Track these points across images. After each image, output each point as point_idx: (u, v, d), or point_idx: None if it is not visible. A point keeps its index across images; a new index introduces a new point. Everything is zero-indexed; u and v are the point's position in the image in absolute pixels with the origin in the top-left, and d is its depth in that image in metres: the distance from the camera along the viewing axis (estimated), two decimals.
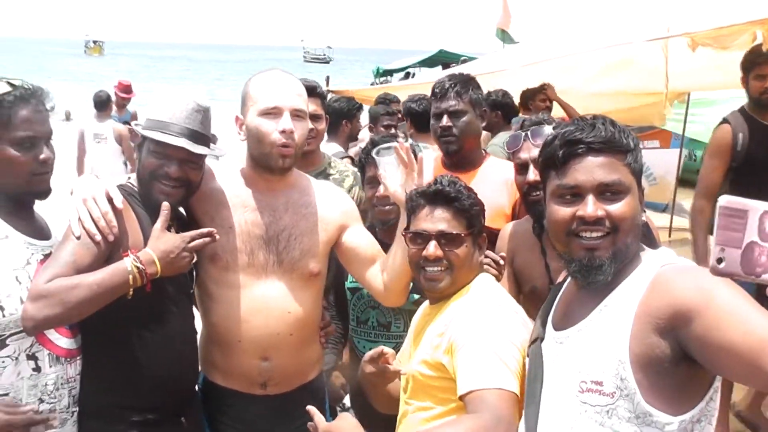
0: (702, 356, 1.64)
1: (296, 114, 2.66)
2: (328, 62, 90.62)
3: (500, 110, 6.48)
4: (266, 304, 2.75)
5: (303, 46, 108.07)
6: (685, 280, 1.73)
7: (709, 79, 7.64)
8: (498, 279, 2.71)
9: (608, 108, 7.90)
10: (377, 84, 20.60)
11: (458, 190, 2.46)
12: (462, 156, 3.51)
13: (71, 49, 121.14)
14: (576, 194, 1.85)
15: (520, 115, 6.52)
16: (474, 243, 2.49)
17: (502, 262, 2.78)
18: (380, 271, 2.88)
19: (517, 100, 6.97)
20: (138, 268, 2.37)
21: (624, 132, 1.87)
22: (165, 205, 2.50)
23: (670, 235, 9.77)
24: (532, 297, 2.85)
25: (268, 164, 2.69)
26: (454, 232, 2.42)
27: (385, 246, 2.99)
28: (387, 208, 3.16)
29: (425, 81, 7.97)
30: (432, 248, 2.41)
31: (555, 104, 7.20)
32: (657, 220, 9.91)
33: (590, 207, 1.81)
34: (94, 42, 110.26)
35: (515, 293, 2.90)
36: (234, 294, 2.74)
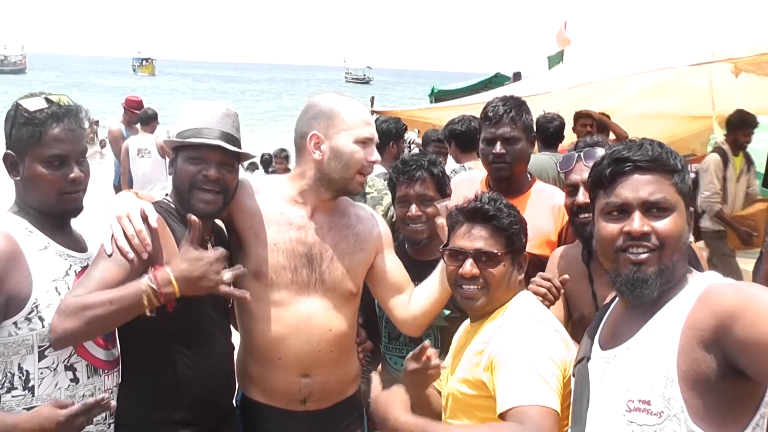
0: (745, 359, 1.65)
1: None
2: (368, 83, 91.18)
3: (537, 132, 6.59)
4: (308, 322, 2.77)
5: (345, 67, 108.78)
6: (727, 291, 1.76)
7: (754, 103, 7.61)
8: (551, 304, 2.70)
9: (652, 131, 8.02)
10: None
11: (498, 208, 2.45)
12: (511, 182, 3.45)
13: (120, 67, 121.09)
14: (623, 211, 1.89)
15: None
16: (513, 262, 2.46)
17: (559, 286, 2.74)
18: (406, 300, 2.92)
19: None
20: (152, 287, 2.34)
21: (671, 153, 1.91)
22: (193, 219, 2.45)
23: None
24: (581, 324, 2.76)
25: (346, 188, 2.77)
26: (492, 251, 2.40)
27: (415, 264, 3.05)
28: (418, 227, 3.19)
29: (476, 102, 8.07)
30: (468, 266, 2.40)
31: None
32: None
33: (636, 222, 1.86)
34: (146, 60, 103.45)
35: (565, 319, 2.88)
36: (276, 311, 2.76)
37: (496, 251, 2.40)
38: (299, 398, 2.81)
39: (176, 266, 2.38)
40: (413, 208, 3.19)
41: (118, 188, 9.48)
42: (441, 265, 2.77)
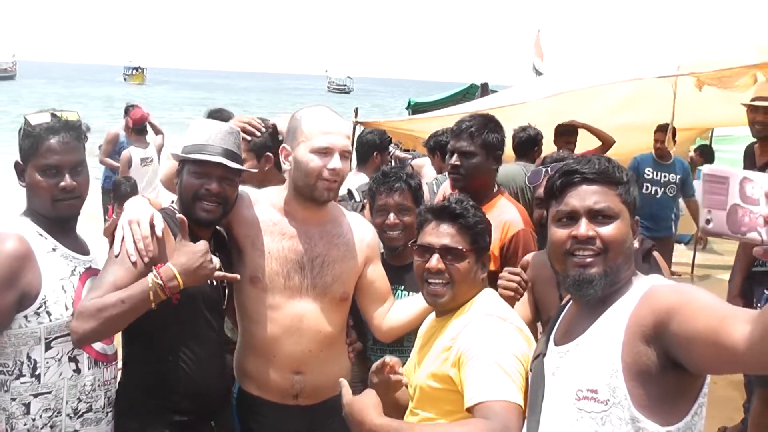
0: (680, 352, 1.79)
1: (343, 154, 2.87)
2: (348, 92, 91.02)
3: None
4: (300, 324, 2.95)
5: (327, 76, 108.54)
6: (667, 291, 1.93)
7: (716, 115, 7.93)
8: (515, 299, 2.83)
9: (630, 143, 8.16)
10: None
11: (464, 208, 2.57)
12: (469, 193, 3.50)
13: (110, 75, 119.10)
14: (571, 218, 2.06)
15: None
16: (477, 259, 2.57)
17: (527, 278, 2.88)
18: (385, 310, 3.12)
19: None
20: (158, 283, 2.53)
21: (618, 167, 2.10)
22: (182, 218, 2.69)
23: (692, 271, 9.82)
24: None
25: (313, 196, 2.89)
26: (457, 247, 2.51)
27: (391, 268, 3.25)
28: (395, 234, 3.40)
29: (454, 113, 8.18)
30: (434, 261, 2.51)
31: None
32: (681, 256, 9.89)
33: (583, 228, 2.02)
34: (136, 69, 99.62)
35: (530, 319, 3.01)
36: (271, 313, 2.94)
37: (461, 248, 2.52)
38: (292, 393, 2.99)
39: (176, 261, 2.59)
40: (391, 217, 3.39)
41: (107, 191, 9.43)
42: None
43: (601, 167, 2.08)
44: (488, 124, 3.68)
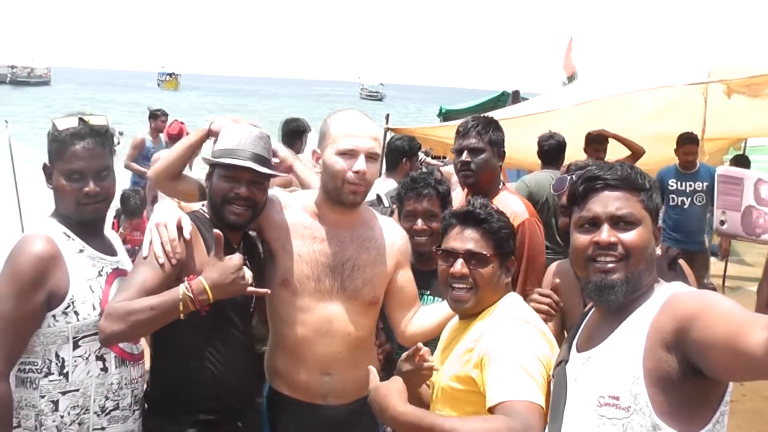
0: (701, 358, 1.79)
1: (370, 156, 2.87)
2: (381, 99, 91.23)
3: (538, 150, 6.74)
4: (330, 326, 2.97)
5: (360, 83, 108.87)
6: (688, 297, 1.93)
7: (745, 124, 7.77)
8: (552, 318, 2.82)
9: (652, 152, 7.94)
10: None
11: (489, 213, 2.59)
12: (478, 188, 3.75)
13: (143, 81, 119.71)
14: (594, 224, 2.06)
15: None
16: (501, 264, 2.59)
17: (558, 300, 2.86)
18: (410, 316, 3.14)
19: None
20: (189, 296, 2.56)
21: (641, 174, 2.10)
22: (218, 234, 2.66)
23: (724, 283, 9.72)
24: None
25: (340, 198, 2.91)
26: (481, 252, 2.53)
27: (418, 273, 3.26)
28: (423, 239, 3.45)
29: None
30: (458, 266, 2.53)
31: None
32: (712, 268, 9.71)
33: (605, 233, 2.03)
34: (170, 75, 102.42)
35: (558, 330, 2.99)
36: (301, 315, 2.97)
37: (485, 252, 2.53)
38: (321, 394, 3.02)
39: (208, 275, 2.61)
40: (419, 222, 3.44)
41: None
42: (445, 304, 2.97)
43: (624, 173, 2.09)
44: (492, 123, 3.88)
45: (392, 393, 2.29)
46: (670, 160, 8.00)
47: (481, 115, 4.10)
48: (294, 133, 7.18)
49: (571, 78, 15.50)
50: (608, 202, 2.06)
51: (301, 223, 3.00)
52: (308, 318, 2.97)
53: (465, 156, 3.76)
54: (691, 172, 7.79)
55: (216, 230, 2.68)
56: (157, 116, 10.59)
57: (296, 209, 3.03)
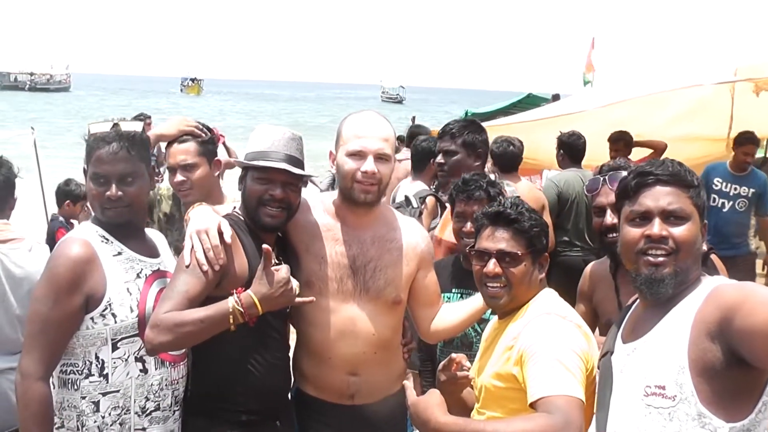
0: (744, 346, 1.84)
1: (379, 157, 2.89)
2: (401, 102, 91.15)
3: (563, 149, 6.80)
4: (354, 326, 2.99)
5: (381, 86, 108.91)
6: (731, 288, 1.99)
7: None
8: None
9: (675, 152, 7.98)
10: None
11: (519, 212, 2.61)
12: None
13: (166, 86, 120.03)
14: (645, 218, 2.12)
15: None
16: (534, 262, 2.62)
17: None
18: (433, 315, 3.17)
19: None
20: (239, 310, 2.58)
21: (689, 171, 2.15)
22: (266, 248, 2.64)
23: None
24: (607, 328, 2.90)
25: (352, 198, 2.94)
26: (513, 251, 2.57)
27: (466, 273, 3.27)
28: (471, 241, 3.36)
29: (515, 121, 8.07)
30: (491, 265, 2.58)
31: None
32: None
33: (656, 227, 2.08)
34: (192, 80, 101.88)
35: (591, 323, 3.05)
36: (326, 316, 2.99)
37: (517, 251, 2.57)
38: (347, 394, 3.04)
39: (257, 289, 2.62)
40: (468, 225, 3.44)
41: None
42: (471, 300, 3.07)
43: (674, 170, 2.14)
44: (469, 126, 4.08)
45: (432, 406, 2.33)
46: (697, 160, 7.71)
47: (463, 118, 4.37)
48: None
49: (589, 78, 15.51)
50: (660, 196, 2.11)
51: (324, 225, 3.03)
52: (332, 319, 2.99)
53: (440, 158, 4.03)
54: (742, 174, 7.14)
55: (265, 245, 2.67)
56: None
57: (319, 211, 3.06)
